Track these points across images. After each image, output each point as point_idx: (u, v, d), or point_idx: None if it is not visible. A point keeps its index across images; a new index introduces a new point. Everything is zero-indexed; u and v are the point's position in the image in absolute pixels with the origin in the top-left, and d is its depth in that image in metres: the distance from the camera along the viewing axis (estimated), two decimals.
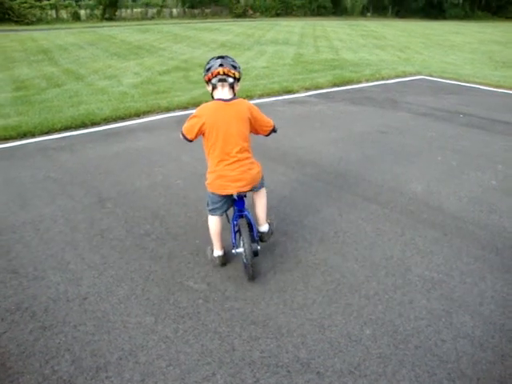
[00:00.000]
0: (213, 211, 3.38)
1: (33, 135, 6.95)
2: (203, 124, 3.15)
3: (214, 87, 3.20)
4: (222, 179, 3.17)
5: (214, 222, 3.42)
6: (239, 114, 3.17)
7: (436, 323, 2.98)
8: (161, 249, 3.84)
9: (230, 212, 3.54)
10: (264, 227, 3.58)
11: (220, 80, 3.15)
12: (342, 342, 2.83)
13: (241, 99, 3.24)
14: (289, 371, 2.60)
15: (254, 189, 3.37)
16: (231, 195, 3.29)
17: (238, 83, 3.27)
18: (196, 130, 3.20)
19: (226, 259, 3.61)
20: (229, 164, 3.16)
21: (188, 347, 2.79)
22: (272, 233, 3.67)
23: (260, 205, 3.48)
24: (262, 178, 3.44)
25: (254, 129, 3.32)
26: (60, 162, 5.82)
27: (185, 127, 3.26)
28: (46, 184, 5.14)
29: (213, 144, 3.18)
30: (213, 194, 3.29)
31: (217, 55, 3.29)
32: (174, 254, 3.76)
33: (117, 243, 3.93)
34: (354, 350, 2.77)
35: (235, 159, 3.16)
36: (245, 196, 3.35)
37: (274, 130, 3.47)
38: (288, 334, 2.89)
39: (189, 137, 3.26)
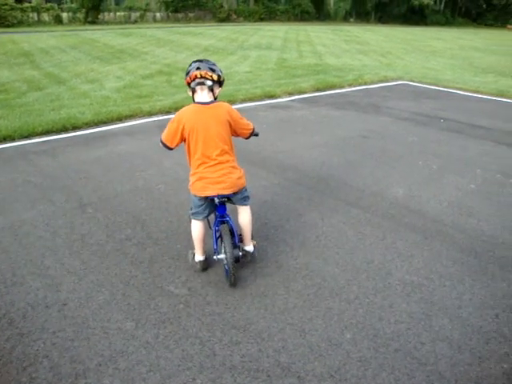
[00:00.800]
0: (195, 215, 3.38)
1: (13, 139, 6.86)
2: (183, 129, 3.15)
3: (194, 91, 3.20)
4: (203, 181, 3.17)
5: (196, 227, 3.41)
6: (218, 117, 3.17)
7: (415, 326, 3.01)
8: (142, 253, 3.82)
9: (211, 218, 3.54)
10: (249, 247, 3.56)
11: (198, 83, 3.14)
12: (323, 346, 2.84)
13: (220, 102, 3.24)
14: (269, 376, 2.60)
15: (238, 200, 3.37)
16: (213, 200, 3.30)
17: (220, 87, 3.27)
18: (178, 137, 3.20)
19: (208, 264, 3.60)
20: (209, 166, 3.17)
21: (168, 352, 2.77)
22: (254, 256, 3.64)
23: (244, 221, 3.45)
24: (247, 191, 3.43)
25: (234, 131, 3.31)
26: (40, 167, 5.75)
27: (164, 134, 3.26)
28: (26, 188, 5.07)
29: (193, 147, 3.19)
30: (195, 196, 3.29)
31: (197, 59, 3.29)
32: (154, 259, 3.74)
33: (97, 248, 3.90)
34: (335, 353, 2.78)
35: (216, 162, 3.16)
36: (226, 201, 3.35)
37: (255, 134, 3.47)
38: (269, 339, 2.89)
39: (169, 144, 3.26)
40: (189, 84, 3.19)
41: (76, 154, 6.24)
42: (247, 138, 3.48)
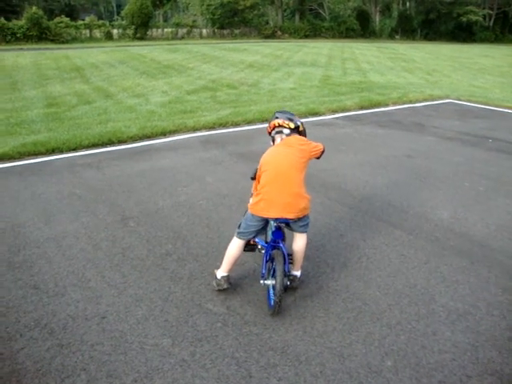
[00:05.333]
0: (242, 234, 3.36)
1: (61, 151, 7.07)
2: (263, 170, 3.25)
3: (274, 139, 3.44)
4: (267, 202, 3.16)
5: (237, 246, 3.39)
6: (289, 146, 3.28)
7: (461, 357, 2.88)
8: (181, 270, 3.83)
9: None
10: (298, 272, 3.54)
11: (277, 132, 3.38)
12: (362, 373, 2.75)
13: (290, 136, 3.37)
14: None
15: (297, 227, 3.34)
16: (267, 223, 3.33)
17: (300, 135, 3.41)
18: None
19: (230, 282, 3.53)
20: (276, 189, 3.15)
21: (204, 372, 2.75)
22: (301, 280, 3.61)
23: (300, 248, 3.43)
24: (308, 219, 3.40)
25: (307, 156, 3.31)
26: (86, 179, 5.89)
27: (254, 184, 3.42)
28: (71, 200, 5.20)
29: (265, 170, 3.22)
30: (253, 216, 3.27)
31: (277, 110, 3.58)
32: (194, 276, 3.73)
33: (138, 262, 3.93)
34: (374, 381, 2.69)
35: (283, 186, 3.15)
36: (284, 227, 3.31)
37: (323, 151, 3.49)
38: (306, 362, 2.83)
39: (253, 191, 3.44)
40: (269, 133, 3.47)
41: (120, 168, 6.37)
42: (318, 158, 3.46)
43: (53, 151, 7.05)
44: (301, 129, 3.42)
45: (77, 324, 3.15)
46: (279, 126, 3.36)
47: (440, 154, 7.31)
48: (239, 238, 3.38)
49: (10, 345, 2.95)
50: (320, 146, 3.40)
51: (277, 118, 3.38)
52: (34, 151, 6.95)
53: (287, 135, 3.35)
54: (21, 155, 6.80)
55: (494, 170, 6.49)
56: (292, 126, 3.34)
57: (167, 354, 2.88)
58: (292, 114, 3.45)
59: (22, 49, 28.64)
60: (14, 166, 6.45)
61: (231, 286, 3.53)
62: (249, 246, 3.54)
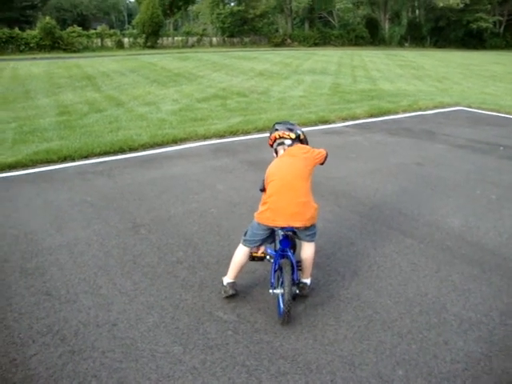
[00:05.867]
0: (247, 242, 3.38)
1: (73, 159, 7.13)
2: (270, 181, 3.26)
3: (276, 151, 3.43)
4: (274, 211, 3.17)
5: (243, 253, 3.41)
6: (293, 155, 3.29)
7: (474, 367, 2.85)
8: (192, 277, 3.83)
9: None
10: (307, 279, 3.54)
11: (279, 144, 3.38)
12: (373, 382, 2.73)
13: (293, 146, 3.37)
14: None
15: (305, 236, 3.35)
16: (274, 232, 3.34)
17: (302, 144, 3.42)
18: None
19: (236, 289, 3.53)
20: (283, 198, 3.16)
21: (215, 380, 2.75)
22: (311, 288, 3.60)
23: (308, 257, 3.42)
24: (316, 228, 3.40)
25: (313, 162, 3.33)
26: (97, 187, 5.94)
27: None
28: (82, 208, 5.24)
29: (271, 180, 3.23)
30: (258, 224, 3.29)
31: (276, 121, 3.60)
32: (205, 284, 3.74)
33: (149, 270, 3.95)
34: None
35: (290, 195, 3.16)
36: (291, 235, 3.32)
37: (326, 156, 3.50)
38: (317, 371, 2.82)
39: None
40: (271, 146, 3.47)
41: (132, 175, 6.41)
42: (322, 164, 3.46)
43: (65, 159, 7.11)
44: (302, 137, 3.41)
45: (88, 331, 3.17)
46: (280, 137, 3.36)
47: (451, 161, 7.29)
48: (245, 245, 3.40)
49: (22, 351, 2.97)
50: (323, 152, 3.41)
51: (277, 129, 3.39)
52: (47, 159, 7.02)
53: (289, 146, 3.34)
54: (33, 163, 6.87)
55: (505, 178, 6.45)
56: (293, 136, 3.34)
57: (178, 362, 2.89)
58: (292, 124, 3.44)
59: (35, 58, 29.04)
60: (27, 173, 6.52)
61: (237, 292, 3.53)
62: (257, 258, 3.54)
